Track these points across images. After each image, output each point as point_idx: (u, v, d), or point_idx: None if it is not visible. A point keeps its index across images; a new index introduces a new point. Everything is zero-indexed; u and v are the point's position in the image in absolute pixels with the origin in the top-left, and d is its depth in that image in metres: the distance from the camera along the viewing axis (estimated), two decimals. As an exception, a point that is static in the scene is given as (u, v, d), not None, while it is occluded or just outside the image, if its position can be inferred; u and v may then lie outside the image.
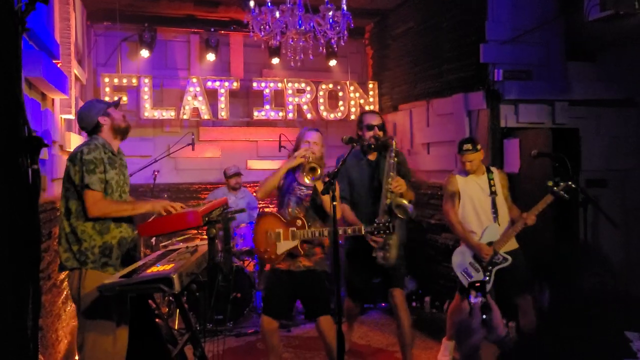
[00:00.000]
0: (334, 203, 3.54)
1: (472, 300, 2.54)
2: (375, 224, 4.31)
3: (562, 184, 4.90)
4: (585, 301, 1.93)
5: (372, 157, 5.12)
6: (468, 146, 5.14)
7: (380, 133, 5.06)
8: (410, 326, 5.06)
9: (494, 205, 5.17)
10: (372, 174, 5.05)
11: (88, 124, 3.99)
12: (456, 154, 5.31)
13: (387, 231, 4.27)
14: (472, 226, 5.21)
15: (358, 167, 5.09)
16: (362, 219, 4.80)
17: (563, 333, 1.86)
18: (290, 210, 4.59)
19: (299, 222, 4.47)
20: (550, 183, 4.96)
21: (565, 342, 1.81)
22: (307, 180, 4.38)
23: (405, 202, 4.73)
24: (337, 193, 3.80)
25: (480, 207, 5.20)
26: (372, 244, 4.79)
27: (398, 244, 4.91)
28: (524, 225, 5.00)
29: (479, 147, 5.19)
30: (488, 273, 5.03)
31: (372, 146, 5.03)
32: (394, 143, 4.87)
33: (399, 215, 4.71)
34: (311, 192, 4.58)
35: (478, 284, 2.55)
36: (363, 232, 4.40)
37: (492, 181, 5.22)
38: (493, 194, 5.18)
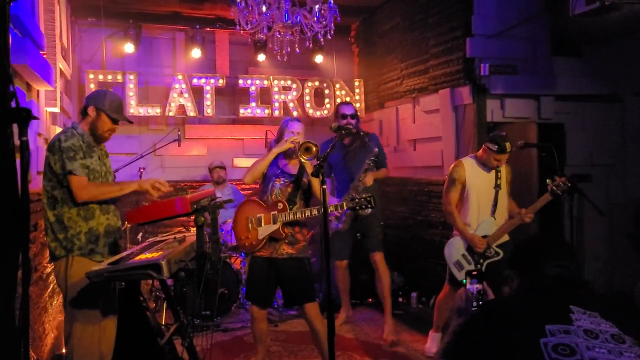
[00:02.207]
0: (324, 187, 3.53)
1: (469, 287, 2.55)
2: (356, 199, 4.48)
3: (561, 183, 4.83)
4: (547, 286, 2.13)
5: (346, 141, 6.13)
6: (509, 145, 4.96)
7: (353, 121, 6.14)
8: (388, 281, 6.15)
9: (495, 198, 5.12)
10: (347, 162, 6.15)
11: (86, 103, 4.00)
12: (485, 145, 5.09)
13: (369, 205, 4.44)
14: (470, 218, 5.16)
15: (336, 154, 5.99)
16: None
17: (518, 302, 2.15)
18: (273, 196, 4.62)
19: (280, 205, 4.52)
20: (549, 181, 4.90)
21: (516, 308, 2.05)
22: (303, 159, 4.42)
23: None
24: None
25: (482, 199, 5.14)
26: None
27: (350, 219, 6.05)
28: (520, 222, 4.99)
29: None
30: (479, 266, 5.03)
31: (347, 133, 6.01)
32: (370, 143, 6.10)
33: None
34: (294, 178, 4.65)
35: (475, 272, 2.56)
36: (345, 207, 4.58)
37: (499, 174, 5.15)
38: (497, 187, 5.12)
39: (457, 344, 2.12)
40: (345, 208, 4.58)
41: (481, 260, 5.04)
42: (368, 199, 4.42)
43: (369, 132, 6.26)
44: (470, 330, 2.08)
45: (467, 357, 2.01)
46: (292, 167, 4.71)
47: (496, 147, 4.96)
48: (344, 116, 6.12)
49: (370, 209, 4.56)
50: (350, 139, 6.13)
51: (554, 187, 4.85)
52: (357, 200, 4.45)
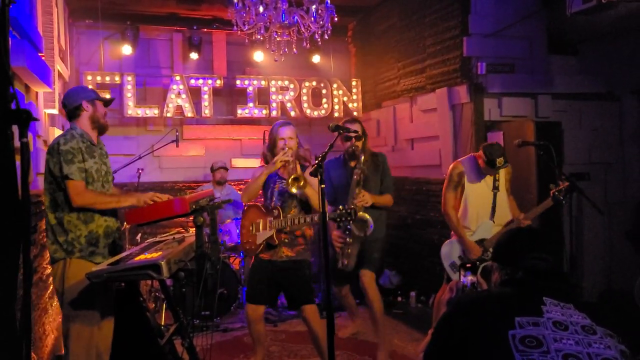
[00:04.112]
0: (322, 186, 3.53)
1: (462, 279, 2.57)
2: (337, 211, 4.30)
3: (563, 189, 4.79)
4: (523, 278, 2.18)
5: (352, 163, 5.27)
6: (502, 161, 4.87)
7: (359, 143, 5.21)
8: (380, 306, 5.34)
9: (494, 201, 5.09)
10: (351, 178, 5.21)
11: (70, 104, 3.96)
12: (479, 154, 5.05)
13: (349, 217, 4.26)
14: (468, 221, 5.13)
15: (340, 173, 5.33)
16: None
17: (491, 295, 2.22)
18: (272, 202, 4.71)
19: (275, 212, 4.61)
20: (552, 186, 4.87)
21: (489, 301, 2.11)
22: (294, 190, 4.45)
23: (367, 216, 4.88)
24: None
25: (481, 202, 5.11)
26: (336, 248, 5.20)
27: (356, 254, 5.23)
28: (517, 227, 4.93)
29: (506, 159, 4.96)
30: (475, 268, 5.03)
31: (348, 156, 5.27)
32: (362, 157, 5.12)
33: (355, 232, 5.02)
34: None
35: (469, 265, 2.58)
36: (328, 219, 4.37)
37: (497, 176, 5.11)
38: (496, 189, 5.09)
39: (435, 337, 2.15)
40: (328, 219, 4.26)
41: (477, 263, 5.02)
42: (349, 210, 4.25)
43: (378, 152, 5.54)
44: (446, 323, 2.12)
45: (444, 350, 2.05)
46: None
47: (486, 160, 4.94)
48: (347, 138, 5.16)
49: (350, 220, 4.34)
50: (356, 161, 5.20)
51: (556, 193, 4.81)
52: (337, 212, 4.27)
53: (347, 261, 5.17)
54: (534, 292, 2.07)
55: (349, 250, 5.17)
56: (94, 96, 4.03)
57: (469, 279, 2.57)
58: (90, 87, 4.16)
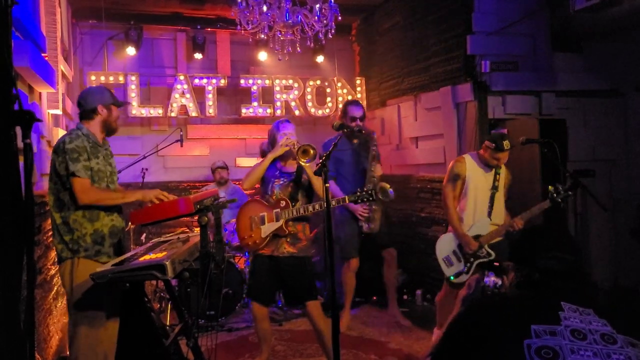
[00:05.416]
0: (327, 185, 3.53)
1: (485, 279, 2.53)
2: (357, 193, 4.50)
3: (562, 192, 4.79)
4: (538, 279, 2.09)
5: (355, 141, 6.14)
6: (508, 144, 4.93)
7: (362, 123, 6.15)
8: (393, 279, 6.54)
9: (491, 200, 5.11)
10: (356, 158, 6.15)
11: (87, 104, 3.98)
12: (484, 143, 5.11)
13: (371, 198, 4.49)
14: (465, 215, 5.15)
15: (344, 151, 5.99)
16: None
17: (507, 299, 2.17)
18: (274, 196, 4.70)
19: (282, 203, 4.62)
20: (551, 188, 4.86)
21: (504, 306, 2.05)
22: (302, 162, 4.44)
23: (387, 186, 5.61)
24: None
25: (479, 199, 5.12)
26: (360, 217, 5.97)
27: (381, 215, 6.09)
28: (511, 228, 4.93)
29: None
30: (469, 264, 5.02)
31: (357, 134, 6.09)
32: (374, 137, 6.12)
33: (381, 197, 5.50)
34: (294, 177, 4.73)
35: (497, 264, 2.53)
36: (347, 201, 4.63)
37: (498, 176, 5.13)
38: (494, 189, 5.11)
39: (444, 342, 2.06)
40: (347, 202, 4.63)
41: (472, 259, 5.01)
42: (369, 191, 4.47)
43: (369, 130, 6.28)
44: (457, 328, 2.04)
45: (455, 354, 1.97)
46: (289, 167, 4.81)
47: (493, 145, 4.96)
48: (353, 119, 6.08)
49: (372, 200, 4.60)
50: (357, 140, 6.18)
51: (555, 195, 4.82)
52: (358, 193, 4.49)
53: (373, 225, 5.99)
54: (551, 296, 1.99)
55: (375, 215, 6.00)
56: (111, 101, 4.04)
57: (492, 279, 2.54)
58: (106, 88, 4.13)
